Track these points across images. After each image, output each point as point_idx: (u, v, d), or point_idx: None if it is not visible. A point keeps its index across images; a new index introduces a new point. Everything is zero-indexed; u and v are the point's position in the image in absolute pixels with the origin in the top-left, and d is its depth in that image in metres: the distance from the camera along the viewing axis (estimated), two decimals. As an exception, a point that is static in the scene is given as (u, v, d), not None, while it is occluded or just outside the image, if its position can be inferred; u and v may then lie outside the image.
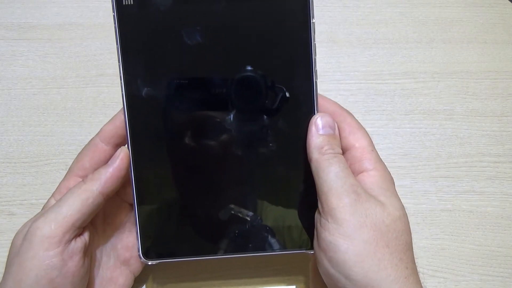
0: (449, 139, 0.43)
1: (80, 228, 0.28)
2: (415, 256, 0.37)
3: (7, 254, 0.37)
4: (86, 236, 0.29)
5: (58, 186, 0.30)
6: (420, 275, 0.37)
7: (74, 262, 0.27)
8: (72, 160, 0.40)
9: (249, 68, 0.29)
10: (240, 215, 0.31)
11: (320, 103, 0.30)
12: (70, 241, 0.27)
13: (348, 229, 0.25)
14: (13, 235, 0.38)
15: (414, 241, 0.38)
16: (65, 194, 0.28)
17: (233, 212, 0.31)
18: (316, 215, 0.28)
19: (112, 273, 0.32)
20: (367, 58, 0.46)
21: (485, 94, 0.44)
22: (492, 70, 0.45)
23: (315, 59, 0.29)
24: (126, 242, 0.32)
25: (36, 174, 0.40)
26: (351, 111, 0.43)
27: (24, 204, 0.39)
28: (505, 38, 0.47)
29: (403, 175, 0.41)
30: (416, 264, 0.37)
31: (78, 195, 0.27)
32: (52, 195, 0.30)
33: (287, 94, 0.29)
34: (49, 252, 0.26)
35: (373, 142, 0.42)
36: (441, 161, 0.42)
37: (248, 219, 0.31)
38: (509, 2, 0.49)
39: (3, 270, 0.36)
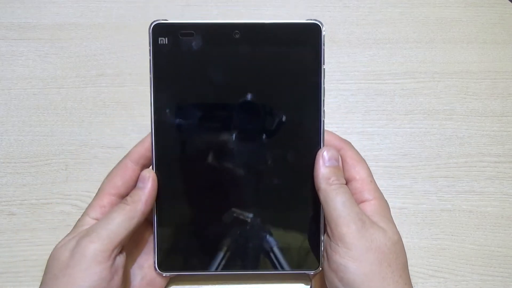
0: (449, 139, 0.43)
1: (122, 245, 0.30)
2: (415, 257, 0.38)
3: (7, 254, 0.37)
4: (124, 253, 0.31)
5: (91, 204, 0.32)
6: (420, 275, 0.37)
7: (119, 276, 0.29)
8: (72, 160, 0.41)
9: (267, 106, 0.32)
10: (251, 235, 0.33)
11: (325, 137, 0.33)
12: (116, 256, 0.29)
13: (357, 252, 0.29)
14: (13, 235, 0.38)
15: (414, 241, 0.39)
16: (111, 214, 0.30)
17: (244, 231, 0.33)
18: (326, 238, 0.31)
19: None
20: (367, 58, 0.46)
21: (485, 94, 0.44)
22: (492, 70, 0.45)
23: (323, 100, 0.32)
24: (153, 263, 0.34)
25: (36, 174, 0.40)
26: (351, 111, 0.43)
27: (24, 204, 0.39)
28: (505, 38, 0.47)
29: (403, 175, 0.41)
30: (416, 264, 0.38)
31: (125, 214, 0.30)
32: (86, 214, 0.32)
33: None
34: (101, 265, 0.28)
35: (373, 142, 0.42)
36: (441, 161, 0.42)
37: (258, 240, 0.34)
38: (509, 2, 0.49)
39: (2, 271, 0.36)
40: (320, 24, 0.31)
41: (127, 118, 0.42)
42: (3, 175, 0.40)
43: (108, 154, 0.41)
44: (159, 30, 0.31)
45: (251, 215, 0.33)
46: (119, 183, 0.32)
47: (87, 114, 0.43)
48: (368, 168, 0.33)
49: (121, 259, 0.30)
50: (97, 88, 0.43)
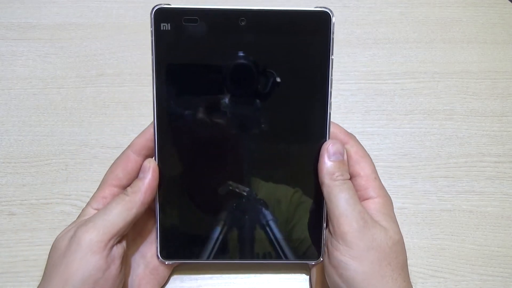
0: (449, 139, 0.43)
1: (121, 236, 0.30)
2: (415, 257, 0.38)
3: (7, 254, 0.37)
4: (124, 243, 0.31)
5: (94, 196, 0.32)
6: (420, 275, 0.37)
7: (115, 266, 0.29)
8: (72, 160, 0.41)
9: (273, 95, 0.31)
10: (255, 223, 0.33)
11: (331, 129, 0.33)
12: (112, 246, 0.29)
13: (357, 251, 0.29)
14: (13, 235, 0.38)
15: (414, 241, 0.39)
16: (110, 204, 0.30)
17: (246, 222, 0.33)
18: (327, 234, 0.31)
19: (140, 281, 0.33)
20: (367, 58, 0.46)
21: (485, 94, 0.44)
22: (492, 70, 0.45)
23: (331, 91, 0.31)
24: (156, 251, 0.34)
25: (36, 174, 0.40)
26: (351, 111, 0.43)
27: (24, 204, 0.39)
28: (505, 38, 0.47)
29: (403, 175, 0.41)
30: (416, 264, 0.38)
31: (123, 205, 0.30)
32: (89, 204, 0.32)
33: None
34: (96, 255, 0.28)
35: (373, 142, 0.42)
36: (441, 161, 0.42)
37: (261, 228, 0.33)
38: (509, 2, 0.49)
39: (2, 271, 0.37)
40: (330, 12, 0.30)
41: (127, 118, 0.42)
42: (3, 175, 0.40)
43: (108, 154, 0.41)
44: (162, 16, 0.30)
45: (255, 204, 0.33)
46: (121, 174, 0.32)
47: (87, 114, 0.43)
48: (373, 164, 0.33)
49: (118, 249, 0.30)
50: (97, 88, 0.43)
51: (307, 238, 0.34)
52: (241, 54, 0.31)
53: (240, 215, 0.33)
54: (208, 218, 0.33)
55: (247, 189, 0.33)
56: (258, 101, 0.31)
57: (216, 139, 0.32)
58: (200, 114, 0.32)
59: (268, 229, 0.33)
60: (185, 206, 0.33)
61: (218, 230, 0.33)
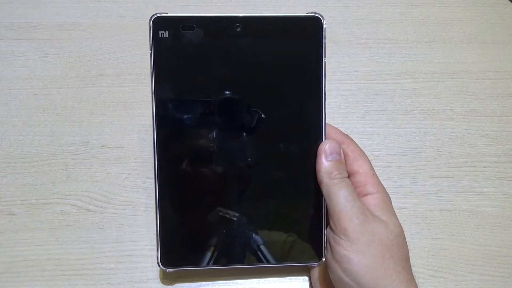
0: (449, 139, 0.43)
1: None
2: (415, 257, 0.38)
3: (7, 254, 0.37)
4: None
5: None
6: (420, 275, 0.37)
7: None
8: (72, 160, 0.41)
9: (269, 100, 0.32)
10: (253, 231, 0.34)
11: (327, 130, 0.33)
12: None
13: (359, 246, 0.29)
14: (13, 235, 0.38)
15: (414, 241, 0.39)
16: None
17: (245, 228, 0.34)
18: (329, 231, 0.32)
19: None
20: (367, 58, 0.46)
21: (485, 94, 0.44)
22: (492, 70, 0.45)
23: (325, 92, 0.32)
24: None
25: (36, 174, 0.40)
26: (351, 111, 0.43)
27: (24, 204, 0.39)
28: (505, 38, 0.47)
29: (403, 175, 0.41)
30: (416, 264, 0.38)
31: None
32: None
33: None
34: None
35: (373, 142, 0.42)
36: (441, 161, 0.42)
37: (262, 234, 0.34)
38: (509, 2, 0.49)
39: (2, 271, 0.36)
40: (321, 17, 0.32)
41: (127, 118, 0.42)
42: (3, 175, 0.40)
43: (108, 154, 0.41)
44: (160, 23, 0.31)
45: (257, 215, 0.34)
46: None
47: (87, 114, 0.43)
48: (370, 162, 0.33)
49: None
50: (97, 88, 0.43)
51: (309, 241, 0.34)
52: (237, 59, 0.32)
53: (237, 221, 0.33)
54: (207, 225, 0.34)
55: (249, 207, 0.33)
56: (254, 105, 0.32)
57: (217, 147, 0.33)
58: (198, 121, 0.32)
59: (270, 233, 0.34)
60: (185, 215, 0.34)
61: (218, 236, 0.33)
